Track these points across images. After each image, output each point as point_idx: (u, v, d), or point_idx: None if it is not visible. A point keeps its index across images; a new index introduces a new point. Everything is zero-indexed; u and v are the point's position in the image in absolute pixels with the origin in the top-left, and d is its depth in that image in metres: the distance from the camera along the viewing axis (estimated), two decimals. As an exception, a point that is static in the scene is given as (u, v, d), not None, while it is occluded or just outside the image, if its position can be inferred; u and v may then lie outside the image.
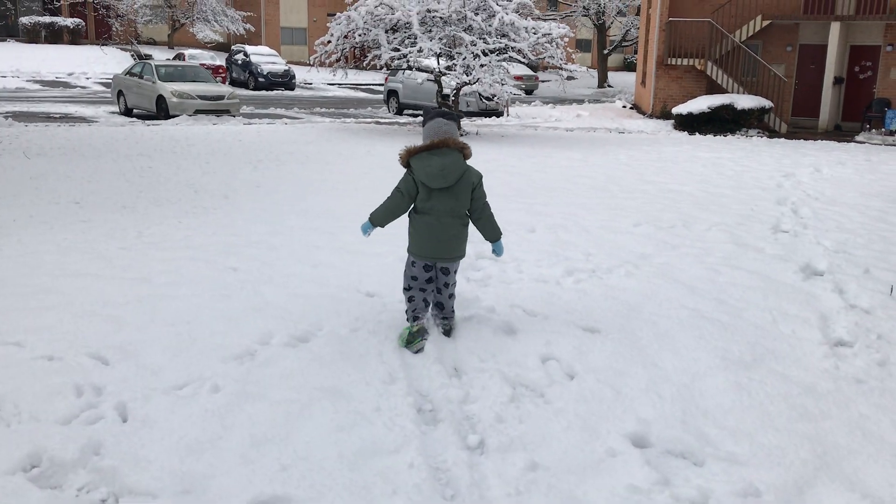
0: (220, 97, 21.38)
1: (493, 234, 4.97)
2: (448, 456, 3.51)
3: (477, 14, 18.29)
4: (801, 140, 20.00)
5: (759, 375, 4.32)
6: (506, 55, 18.43)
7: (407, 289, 4.96)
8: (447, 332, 4.99)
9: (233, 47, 37.69)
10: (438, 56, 18.73)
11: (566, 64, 19.53)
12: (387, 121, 22.73)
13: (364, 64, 19.77)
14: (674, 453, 3.56)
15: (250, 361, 4.45)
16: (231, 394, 4.02)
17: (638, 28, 42.30)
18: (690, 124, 21.48)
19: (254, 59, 34.64)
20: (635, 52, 56.22)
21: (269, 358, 4.49)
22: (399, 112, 25.76)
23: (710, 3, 23.81)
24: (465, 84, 18.53)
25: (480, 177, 4.84)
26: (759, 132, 21.29)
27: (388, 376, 4.25)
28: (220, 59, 37.34)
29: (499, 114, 25.25)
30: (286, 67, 34.83)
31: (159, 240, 7.36)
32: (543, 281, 6.10)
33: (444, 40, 18.23)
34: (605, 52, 43.26)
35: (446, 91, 20.48)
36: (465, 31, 18.11)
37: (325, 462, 3.40)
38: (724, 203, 9.79)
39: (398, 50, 18.48)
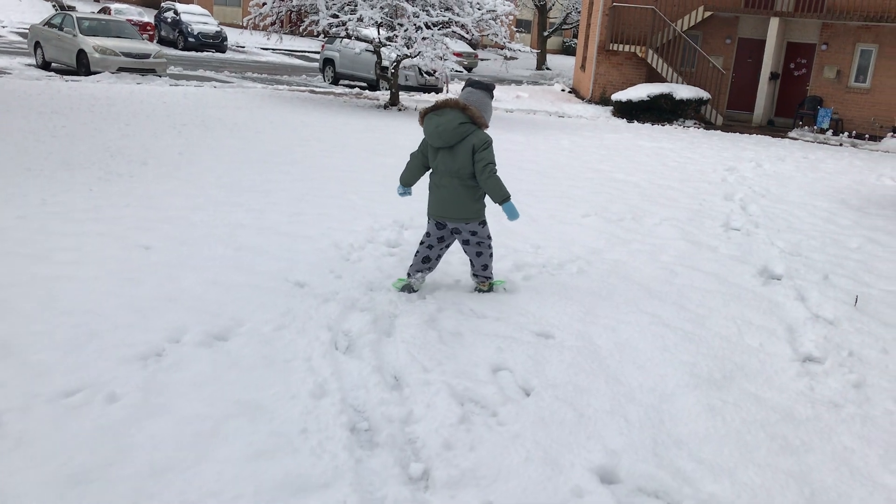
0: (146, 55, 20.14)
1: (495, 195, 4.95)
2: (388, 491, 2.97)
3: (421, -16, 17.61)
4: (737, 133, 20.05)
5: (732, 397, 3.91)
6: (449, 29, 17.83)
7: (420, 242, 5.28)
8: (480, 290, 5.26)
9: (162, 4, 35.82)
10: (379, 26, 17.99)
11: (510, 42, 19.05)
12: (322, 90, 21.85)
13: (300, 29, 18.88)
14: (647, 492, 3.10)
15: (156, 364, 3.81)
16: (131, 405, 3.39)
17: (579, 12, 42.13)
18: (629, 111, 21.35)
19: (184, 17, 32.98)
20: (574, 36, 56.21)
21: (180, 360, 3.86)
22: (335, 82, 24.90)
23: (653, -10, 23.64)
24: (406, 57, 17.85)
25: (485, 141, 4.90)
26: (695, 123, 21.32)
27: (317, 388, 3.67)
28: (148, 16, 35.48)
29: (438, 90, 24.65)
30: (218, 28, 33.30)
31: (65, 209, 6.57)
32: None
33: (386, 10, 17.49)
34: (545, 34, 42.93)
35: (385, 63, 19.76)
36: (407, 1, 17.40)
37: (239, 500, 2.82)
38: (671, 196, 9.46)
39: (337, 16, 17.67)
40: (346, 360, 4.05)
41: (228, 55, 32.37)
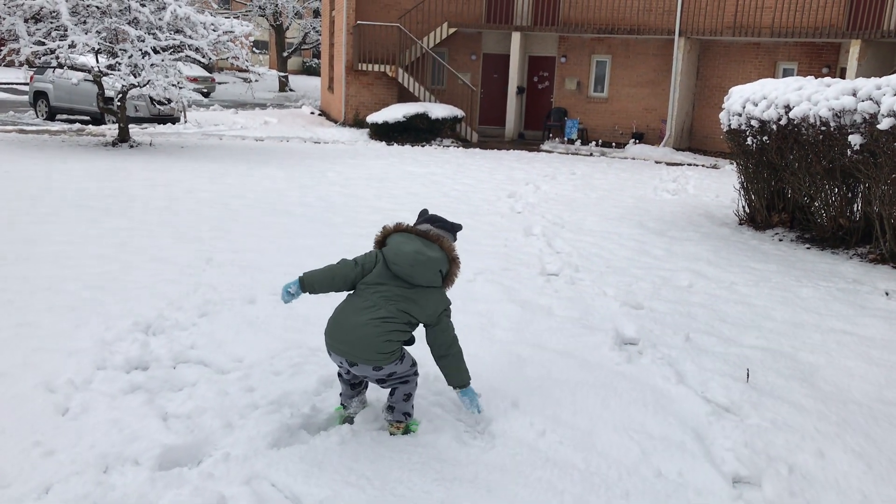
0: None
1: (457, 378, 3.82)
2: None
3: (144, 5, 15.28)
4: (495, 150, 19.77)
5: None
6: (182, 54, 15.66)
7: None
8: (392, 433, 3.79)
9: None
10: (97, 52, 15.41)
11: (252, 65, 17.21)
12: (34, 129, 18.58)
13: (-2, 59, 15.72)
14: None
15: None
16: None
17: (318, 31, 40.79)
18: (387, 133, 20.40)
19: None
20: (315, 56, 54.77)
21: None
22: (50, 117, 21.58)
23: (396, 7, 22.94)
24: (134, 86, 15.40)
25: (450, 306, 3.83)
26: (453, 142, 20.86)
27: None
28: None
29: (174, 120, 22.07)
30: None
31: None
32: (280, 405, 3.89)
33: (104, 34, 14.97)
34: (285, 54, 41.15)
35: (109, 94, 17.07)
36: (129, 24, 15.00)
37: None
38: (472, 238, 8.26)
39: (43, 43, 14.87)
40: None
41: None
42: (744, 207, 9.81)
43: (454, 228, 3.90)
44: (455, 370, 3.77)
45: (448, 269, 3.74)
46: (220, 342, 4.73)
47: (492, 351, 4.85)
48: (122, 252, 6.94)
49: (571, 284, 6.59)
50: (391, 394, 3.72)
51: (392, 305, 3.56)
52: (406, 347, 3.72)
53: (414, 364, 3.75)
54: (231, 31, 16.27)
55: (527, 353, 4.82)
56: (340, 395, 3.94)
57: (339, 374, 3.88)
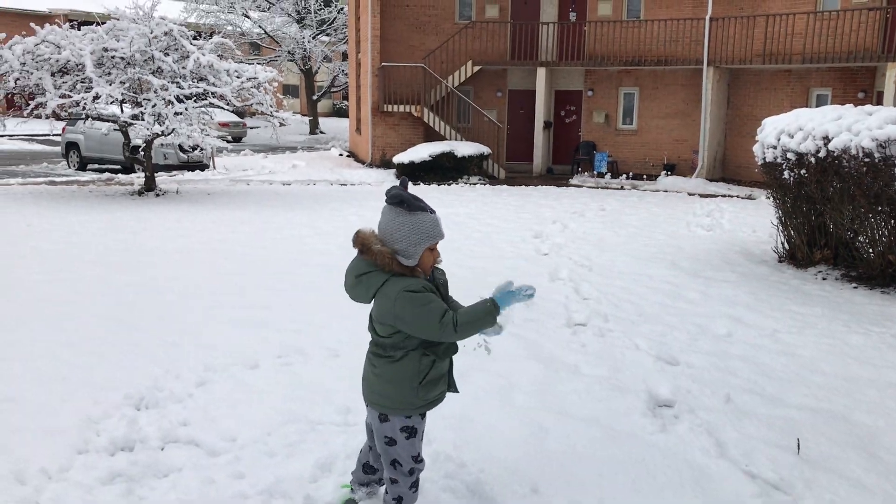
0: None
1: (483, 326, 3.08)
2: None
3: (167, 55, 15.32)
4: (523, 186, 19.44)
5: None
6: (205, 101, 15.63)
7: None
8: None
9: None
10: (122, 103, 15.44)
11: (276, 111, 17.14)
12: (63, 179, 18.71)
13: (25, 113, 15.86)
14: None
15: None
16: None
17: (346, 74, 41.08)
18: (413, 173, 20.18)
19: None
20: (345, 98, 55.21)
21: None
22: (82, 167, 21.83)
23: (420, 48, 22.91)
24: (158, 135, 15.37)
25: (412, 294, 2.92)
26: (480, 179, 20.58)
27: None
28: None
29: (204, 166, 22.10)
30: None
31: None
32: (271, 495, 3.48)
33: (128, 84, 15.00)
34: (315, 97, 41.47)
35: (136, 143, 17.10)
36: (153, 73, 15.02)
37: None
38: (490, 285, 7.85)
39: (69, 96, 14.96)
40: None
41: (-53, 146, 27.73)
42: (783, 244, 9.28)
43: (398, 198, 3.02)
44: (472, 330, 2.99)
45: (370, 261, 3.01)
46: (214, 417, 4.35)
47: (511, 420, 4.40)
48: (127, 312, 6.65)
49: (600, 336, 6.14)
50: (385, 491, 3.27)
51: (373, 345, 3.17)
52: (417, 440, 3.15)
53: (417, 462, 3.17)
54: (255, 78, 16.24)
55: (549, 421, 4.37)
56: (353, 472, 3.52)
57: (362, 449, 3.47)
